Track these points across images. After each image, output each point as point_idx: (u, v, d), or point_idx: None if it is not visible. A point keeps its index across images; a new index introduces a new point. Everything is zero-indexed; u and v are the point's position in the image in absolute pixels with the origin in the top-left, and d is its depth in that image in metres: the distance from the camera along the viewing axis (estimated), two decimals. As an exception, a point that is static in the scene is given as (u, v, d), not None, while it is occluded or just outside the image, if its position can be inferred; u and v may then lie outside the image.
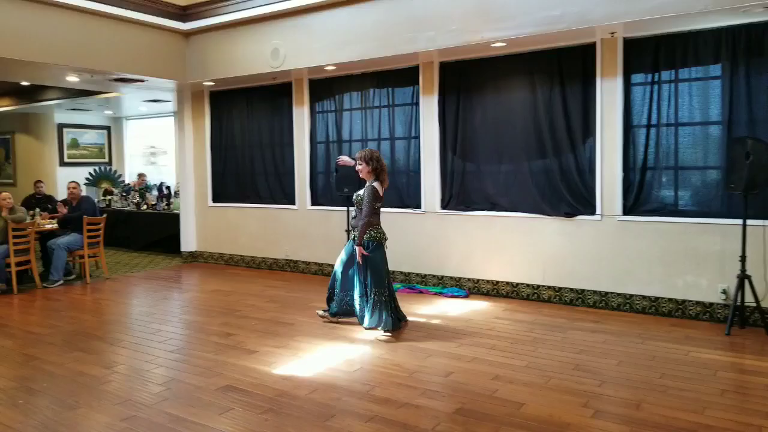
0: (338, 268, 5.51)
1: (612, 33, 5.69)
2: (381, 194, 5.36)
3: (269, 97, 8.47)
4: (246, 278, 8.00)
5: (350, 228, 5.68)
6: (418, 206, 7.11)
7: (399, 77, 7.19)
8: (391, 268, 7.26)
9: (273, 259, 8.53)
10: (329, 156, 7.90)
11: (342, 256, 5.52)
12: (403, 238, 7.20)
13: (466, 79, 6.71)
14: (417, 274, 7.16)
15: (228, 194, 9.08)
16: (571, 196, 6.13)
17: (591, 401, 3.71)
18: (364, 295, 5.31)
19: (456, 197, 6.86)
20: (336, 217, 7.74)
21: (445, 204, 6.93)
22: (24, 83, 10.31)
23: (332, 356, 4.63)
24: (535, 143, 6.30)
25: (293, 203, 8.28)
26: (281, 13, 7.30)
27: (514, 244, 6.49)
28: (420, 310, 6.07)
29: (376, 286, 5.25)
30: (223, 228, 9.13)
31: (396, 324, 5.32)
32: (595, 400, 3.73)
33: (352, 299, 5.41)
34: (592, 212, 6.01)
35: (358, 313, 5.37)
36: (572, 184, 6.13)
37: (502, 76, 6.48)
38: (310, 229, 8.10)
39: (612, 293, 5.97)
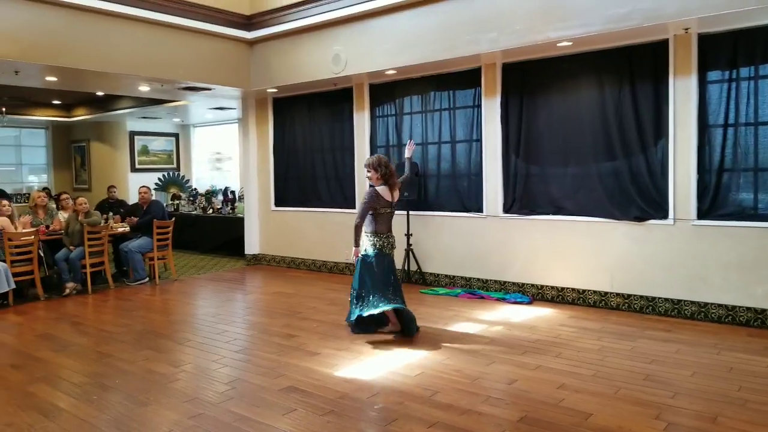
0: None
1: (686, 29, 5.43)
2: (389, 199, 5.22)
3: (330, 102, 8.57)
4: (307, 281, 8.10)
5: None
6: (480, 210, 7.00)
7: (460, 79, 7.12)
8: (452, 272, 7.26)
9: (333, 263, 8.60)
10: (389, 160, 7.88)
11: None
12: (464, 243, 7.12)
13: (529, 79, 6.57)
14: (478, 280, 7.04)
15: (290, 198, 9.23)
16: (642, 200, 5.87)
17: (663, 413, 3.53)
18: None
19: (519, 201, 6.71)
20: (395, 220, 7.67)
21: (508, 208, 6.79)
22: (99, 93, 10.86)
23: (393, 360, 4.60)
24: (603, 145, 6.09)
25: (353, 207, 8.32)
26: (342, 20, 7.38)
27: (580, 249, 6.29)
28: (482, 316, 5.96)
29: (354, 286, 5.26)
30: (285, 231, 9.29)
31: (364, 327, 5.27)
32: (668, 413, 3.54)
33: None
34: (665, 216, 5.75)
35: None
36: (643, 186, 5.88)
37: (568, 76, 6.30)
38: (370, 233, 8.11)
39: (685, 301, 5.68)
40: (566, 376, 4.18)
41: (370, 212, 5.16)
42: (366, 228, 5.23)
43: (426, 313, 6.08)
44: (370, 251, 5.23)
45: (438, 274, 7.41)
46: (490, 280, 6.95)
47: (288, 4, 7.83)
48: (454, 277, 7.27)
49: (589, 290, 6.26)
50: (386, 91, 7.89)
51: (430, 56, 6.69)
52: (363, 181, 8.13)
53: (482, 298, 6.70)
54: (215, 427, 3.45)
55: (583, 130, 6.22)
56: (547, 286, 6.54)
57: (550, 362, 4.49)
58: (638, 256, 5.92)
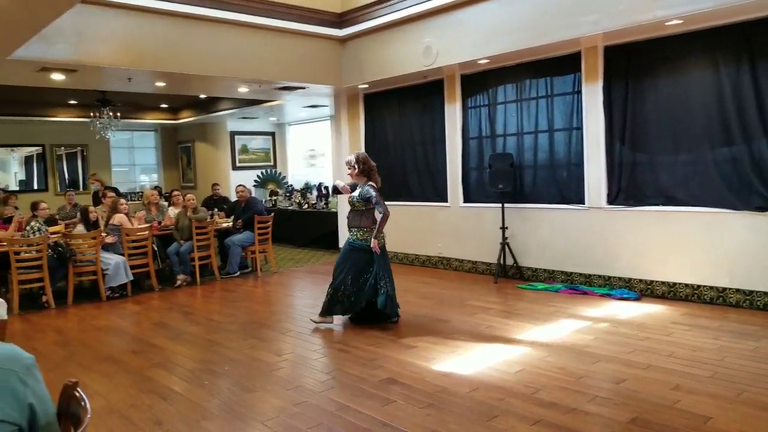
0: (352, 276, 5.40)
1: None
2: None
3: (421, 95, 8.53)
4: (400, 274, 8.07)
5: (349, 228, 5.58)
6: (581, 201, 6.70)
7: (558, 65, 6.84)
8: (551, 267, 7.03)
9: (426, 256, 8.58)
10: (482, 152, 7.76)
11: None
12: (564, 236, 6.85)
13: (635, 62, 6.18)
14: (580, 274, 6.75)
15: (381, 192, 9.25)
16: (765, 188, 5.38)
17: (796, 420, 3.22)
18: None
19: (624, 191, 6.35)
20: (490, 214, 7.58)
21: (613, 198, 6.45)
22: (202, 96, 11.48)
23: (492, 355, 4.50)
24: (719, 129, 5.63)
25: (445, 200, 8.26)
26: (433, 11, 7.31)
27: (694, 241, 5.86)
28: (585, 312, 5.71)
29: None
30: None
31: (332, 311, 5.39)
32: (802, 420, 3.23)
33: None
34: (792, 205, 5.24)
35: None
36: (766, 174, 5.38)
37: (678, 57, 5.88)
38: (463, 227, 8.02)
39: (817, 299, 5.16)
40: (681, 377, 3.91)
41: (363, 208, 5.39)
42: (357, 222, 5.43)
43: (525, 308, 5.92)
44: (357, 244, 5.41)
45: (536, 269, 7.19)
46: (594, 275, 6.64)
47: (377, 0, 7.87)
48: (553, 271, 7.02)
49: (704, 286, 5.83)
50: (478, 81, 7.73)
51: (525, 43, 6.48)
52: (456, 174, 8.05)
53: (585, 293, 6.41)
54: (318, 414, 3.53)
55: (695, 115, 5.79)
56: (657, 281, 6.16)
57: (662, 362, 4.22)
58: (761, 249, 5.43)
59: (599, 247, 6.58)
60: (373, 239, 5.32)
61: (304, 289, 7.72)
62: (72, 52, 6.32)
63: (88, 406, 1.64)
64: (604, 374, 4.06)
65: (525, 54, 6.85)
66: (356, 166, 5.45)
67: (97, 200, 9.76)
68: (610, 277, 6.52)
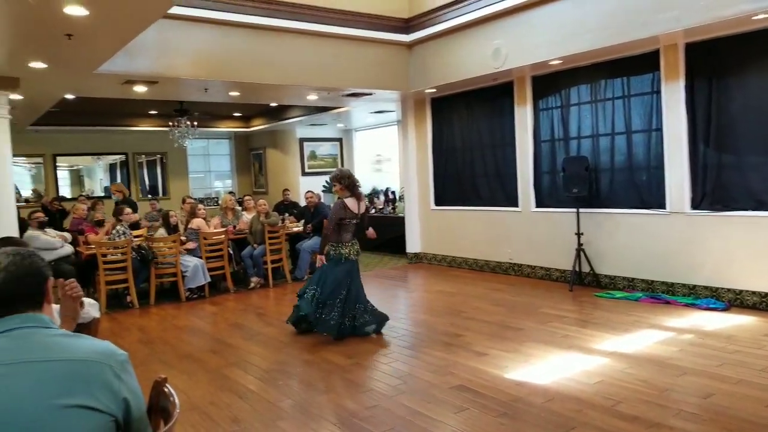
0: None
1: None
2: (354, 210, 5.40)
3: (489, 98, 8.41)
4: (469, 280, 8.03)
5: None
6: (662, 206, 6.39)
7: (635, 64, 6.56)
8: (630, 275, 6.75)
9: (496, 262, 8.44)
10: (554, 155, 7.56)
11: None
12: (644, 242, 6.56)
13: (719, 59, 5.85)
14: (662, 283, 6.43)
15: (449, 197, 9.23)
16: None
17: None
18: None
19: (710, 195, 6.00)
20: (563, 219, 7.36)
21: (697, 203, 6.10)
22: (272, 104, 11.79)
23: (567, 365, 4.36)
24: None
25: (516, 205, 8.09)
26: (502, 13, 7.18)
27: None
28: (668, 322, 5.43)
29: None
30: (445, 230, 9.31)
31: (339, 331, 5.25)
32: None
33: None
34: None
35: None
36: None
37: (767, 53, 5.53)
38: (535, 232, 7.83)
39: None
40: (776, 394, 3.65)
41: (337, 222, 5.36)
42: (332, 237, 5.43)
43: (602, 317, 5.71)
44: (332, 258, 5.45)
45: (614, 276, 6.92)
46: (677, 284, 6.31)
47: (445, 4, 7.82)
48: (633, 279, 6.73)
49: (799, 296, 5.43)
50: (550, 83, 7.55)
51: (599, 42, 6.26)
52: (527, 178, 7.88)
53: (668, 303, 6.10)
54: (390, 419, 3.53)
55: (789, 113, 5.42)
56: (746, 291, 5.78)
57: (754, 377, 3.96)
58: None
59: (683, 254, 6.25)
60: (318, 255, 5.54)
61: (372, 294, 7.66)
62: (153, 65, 6.65)
63: (176, 401, 1.70)
64: (690, 388, 3.85)
65: (600, 53, 6.62)
66: (341, 182, 5.46)
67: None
68: (694, 286, 6.18)
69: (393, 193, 12.12)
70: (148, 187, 14.49)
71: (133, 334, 5.90)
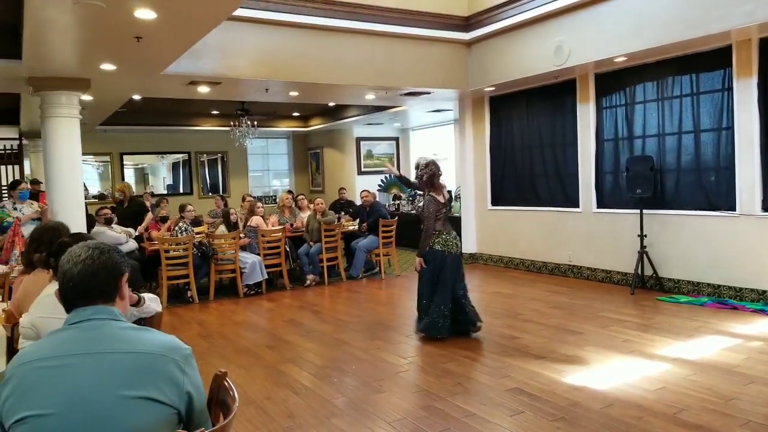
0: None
1: None
2: (442, 201, 5.30)
3: (550, 96, 8.25)
4: (526, 282, 7.90)
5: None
6: (732, 208, 6.11)
7: (705, 60, 6.30)
8: (695, 279, 6.49)
9: (554, 264, 8.26)
10: (617, 154, 7.33)
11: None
12: (711, 245, 6.29)
13: (797, 54, 5.56)
14: (729, 288, 6.16)
15: (507, 197, 9.10)
16: None
17: None
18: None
19: (784, 197, 5.72)
20: (625, 220, 7.13)
21: (769, 205, 5.83)
22: (330, 104, 11.93)
23: (628, 371, 4.23)
24: None
25: (576, 206, 7.90)
26: (564, 9, 7.03)
27: None
28: (735, 329, 5.20)
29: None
30: (502, 230, 9.19)
31: (438, 331, 5.14)
32: None
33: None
34: None
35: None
36: None
37: None
38: (596, 233, 7.62)
39: None
40: None
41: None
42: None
43: (665, 322, 5.51)
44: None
45: (678, 280, 6.66)
46: (745, 289, 6.03)
47: (505, 1, 7.71)
48: (698, 283, 6.46)
49: None
50: (614, 80, 7.33)
51: (667, 38, 6.03)
52: (588, 178, 7.68)
53: (735, 308, 5.84)
54: (445, 420, 3.51)
55: None
56: (822, 298, 5.47)
57: (831, 389, 3.75)
58: None
59: (752, 259, 5.95)
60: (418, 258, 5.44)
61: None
62: (216, 66, 6.86)
63: (236, 395, 1.75)
64: (758, 397, 3.67)
65: (667, 50, 6.38)
66: (421, 176, 5.41)
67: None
68: (764, 292, 5.87)
69: (449, 192, 12.04)
70: (209, 186, 14.94)
71: (192, 328, 6.10)
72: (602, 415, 3.50)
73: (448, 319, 5.19)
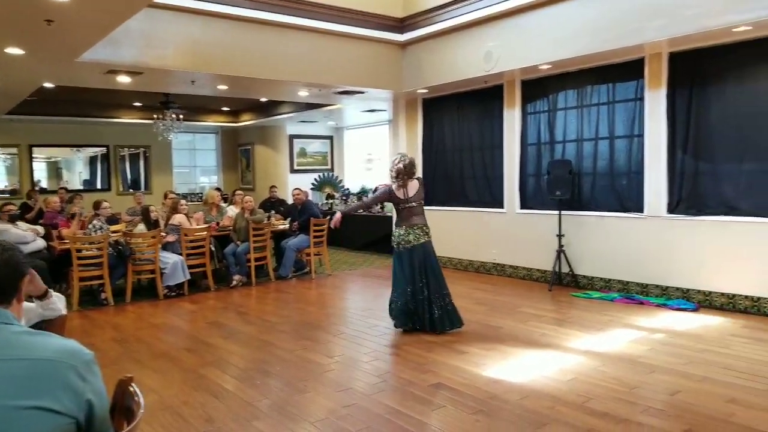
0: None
1: None
2: (401, 196, 5.46)
3: (480, 100, 8.49)
4: (453, 280, 8.00)
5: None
6: (640, 210, 6.53)
7: (621, 71, 6.69)
8: (607, 276, 6.87)
9: (480, 262, 8.52)
10: (540, 158, 7.65)
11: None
12: (621, 244, 6.69)
13: (700, 69, 6.00)
14: (637, 284, 6.57)
15: (438, 198, 9.27)
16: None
17: None
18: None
19: (686, 200, 6.16)
20: (546, 221, 7.45)
21: (673, 208, 6.26)
22: (262, 100, 11.75)
23: (543, 363, 4.45)
24: (787, 138, 5.39)
25: (502, 207, 8.18)
26: (495, 16, 7.27)
27: (756, 253, 5.62)
28: (641, 322, 5.56)
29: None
30: (432, 230, 9.29)
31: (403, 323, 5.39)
32: None
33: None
34: None
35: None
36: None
37: (746, 65, 5.68)
38: (519, 233, 7.92)
39: None
40: (737, 390, 3.79)
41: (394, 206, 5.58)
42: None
43: (579, 317, 5.82)
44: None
45: (592, 277, 7.03)
46: (650, 285, 6.45)
47: (440, 5, 7.89)
48: (609, 280, 6.85)
49: (765, 298, 5.59)
50: (539, 87, 7.64)
51: (588, 48, 6.37)
52: (513, 180, 7.97)
53: (641, 303, 6.24)
54: (368, 417, 3.57)
55: (762, 124, 5.59)
56: (715, 292, 5.94)
57: (718, 374, 4.10)
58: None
59: (657, 257, 6.38)
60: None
61: (357, 292, 7.81)
62: (138, 54, 6.58)
63: (141, 401, 1.67)
64: (658, 385, 3.96)
65: (587, 60, 6.73)
66: (390, 171, 5.56)
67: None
68: (667, 287, 6.32)
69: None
70: (129, 182, 14.32)
71: (106, 332, 5.81)
72: (518, 406, 3.66)
73: (398, 312, 5.40)
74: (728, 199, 5.86)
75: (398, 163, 5.49)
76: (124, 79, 7.53)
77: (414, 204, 5.48)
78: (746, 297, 5.73)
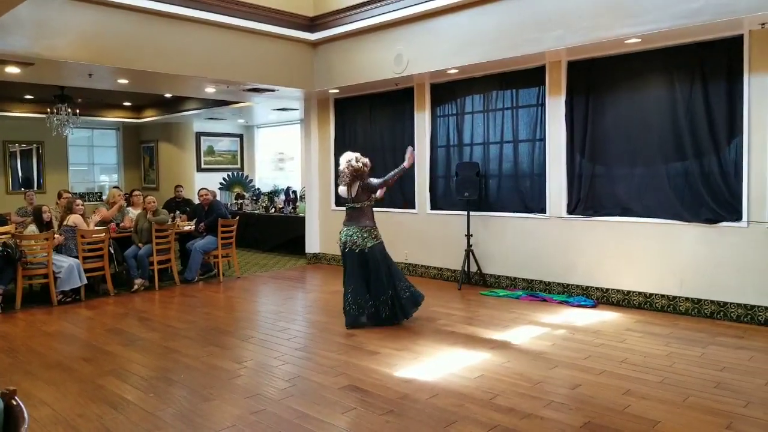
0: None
1: (762, 24, 5.14)
2: (345, 196, 5.72)
3: (391, 102, 8.57)
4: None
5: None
6: (543, 211, 6.84)
7: (524, 78, 6.98)
8: (513, 274, 7.16)
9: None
10: (449, 160, 7.84)
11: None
12: (526, 244, 6.98)
13: (596, 78, 6.38)
14: (540, 282, 6.88)
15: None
16: (714, 201, 5.60)
17: (735, 423, 3.37)
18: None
19: (584, 202, 6.52)
20: (455, 221, 7.65)
21: (572, 209, 6.61)
22: (167, 95, 11.27)
23: (453, 361, 4.55)
24: (672, 144, 5.85)
25: (413, 207, 8.30)
26: (405, 20, 7.36)
27: (647, 251, 6.04)
28: (544, 319, 5.82)
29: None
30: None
31: (354, 320, 5.56)
32: (740, 422, 3.38)
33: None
34: (738, 218, 5.47)
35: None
36: (715, 188, 5.61)
37: (637, 74, 6.08)
38: (430, 234, 8.08)
39: (759, 307, 5.39)
40: (632, 382, 4.04)
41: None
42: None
43: (486, 315, 6.01)
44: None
45: (499, 276, 7.29)
46: (553, 283, 6.78)
47: (350, 6, 7.88)
48: (515, 278, 7.13)
49: (656, 294, 6.01)
50: (447, 91, 7.82)
51: (492, 55, 6.58)
52: (423, 181, 8.11)
53: (544, 300, 6.55)
54: (276, 423, 3.50)
55: (651, 130, 6.00)
56: (612, 289, 6.32)
57: (615, 367, 4.35)
58: (709, 260, 5.65)
59: (559, 256, 6.72)
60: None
61: (267, 295, 7.65)
62: (29, 44, 6.11)
63: (26, 414, 1.57)
64: (560, 380, 4.15)
65: (493, 66, 6.96)
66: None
67: None
68: (568, 285, 6.66)
69: (294, 192, 12.00)
70: (20, 179, 13.28)
71: (-6, 341, 5.39)
72: (428, 405, 3.72)
73: (359, 309, 5.53)
74: (622, 201, 6.25)
75: (351, 162, 5.67)
76: (12, 70, 6.96)
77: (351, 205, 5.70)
78: (640, 293, 6.13)
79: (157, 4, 6.82)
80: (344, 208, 5.80)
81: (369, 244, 5.59)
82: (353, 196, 5.64)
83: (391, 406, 3.70)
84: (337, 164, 6.22)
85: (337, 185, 5.83)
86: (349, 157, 5.68)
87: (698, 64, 5.65)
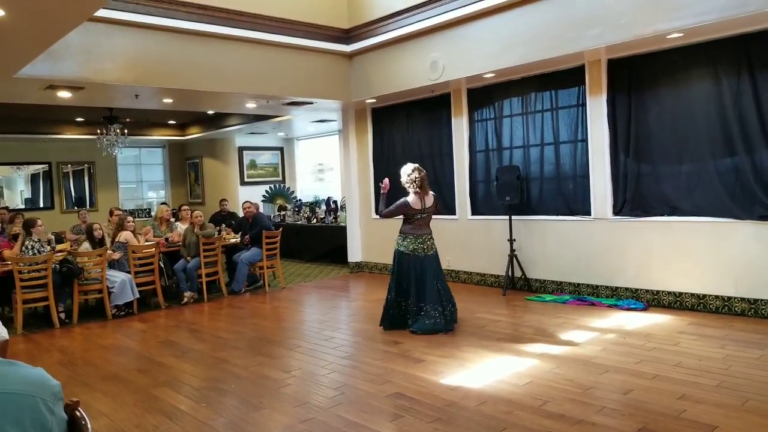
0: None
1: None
2: (417, 206, 5.66)
3: (428, 109, 8.58)
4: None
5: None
6: (587, 213, 6.71)
7: (563, 78, 6.88)
8: (559, 278, 7.03)
9: (434, 270, 8.56)
10: (489, 165, 7.78)
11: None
12: (571, 247, 6.86)
13: (637, 75, 6.23)
14: (588, 286, 6.74)
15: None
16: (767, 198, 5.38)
17: (802, 429, 3.21)
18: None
19: (630, 202, 6.36)
20: (497, 226, 7.58)
21: (618, 210, 6.46)
22: (210, 112, 11.57)
23: (500, 368, 4.50)
24: (721, 140, 5.65)
25: (453, 213, 8.26)
26: (439, 26, 7.38)
27: (699, 251, 5.85)
28: (593, 323, 5.70)
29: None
30: (385, 239, 9.34)
31: (391, 324, 5.73)
32: (808, 428, 3.22)
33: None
34: (795, 214, 5.24)
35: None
36: (768, 183, 5.39)
37: (680, 69, 5.92)
38: (471, 239, 8.02)
39: (826, 308, 5.13)
40: (687, 387, 3.91)
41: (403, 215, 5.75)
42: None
43: (533, 320, 5.92)
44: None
45: (544, 280, 7.18)
46: (601, 286, 6.63)
47: (385, 15, 7.95)
48: (561, 283, 7.00)
49: (710, 295, 5.81)
50: (484, 95, 7.78)
51: (529, 57, 6.52)
52: (463, 187, 8.07)
53: (592, 304, 6.40)
54: (326, 431, 3.53)
55: (697, 126, 5.82)
56: (663, 291, 6.14)
57: (668, 372, 4.22)
58: (764, 259, 5.43)
59: (606, 258, 6.57)
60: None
61: (312, 305, 7.74)
62: (79, 69, 6.39)
63: (89, 425, 1.62)
64: (611, 385, 4.05)
65: (530, 68, 6.90)
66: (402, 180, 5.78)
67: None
68: (617, 288, 6.50)
69: (335, 202, 12.12)
70: (74, 199, 13.84)
71: (52, 355, 5.58)
72: (476, 412, 3.69)
73: (402, 312, 5.70)
74: (670, 200, 6.08)
75: (414, 173, 5.73)
76: (64, 95, 7.28)
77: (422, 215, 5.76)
78: (692, 295, 5.94)
79: (198, 24, 7.03)
80: (393, 218, 5.88)
81: (431, 252, 5.74)
82: (427, 206, 5.74)
83: (438, 413, 3.69)
84: (384, 175, 6.45)
85: (378, 198, 5.85)
86: (414, 166, 5.80)
87: (745, 56, 5.46)
